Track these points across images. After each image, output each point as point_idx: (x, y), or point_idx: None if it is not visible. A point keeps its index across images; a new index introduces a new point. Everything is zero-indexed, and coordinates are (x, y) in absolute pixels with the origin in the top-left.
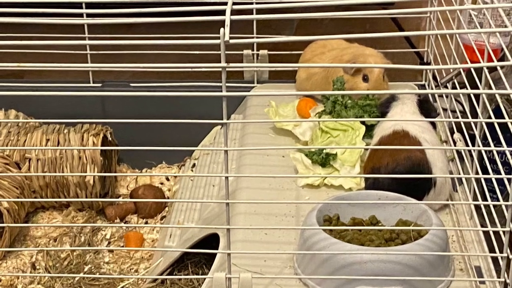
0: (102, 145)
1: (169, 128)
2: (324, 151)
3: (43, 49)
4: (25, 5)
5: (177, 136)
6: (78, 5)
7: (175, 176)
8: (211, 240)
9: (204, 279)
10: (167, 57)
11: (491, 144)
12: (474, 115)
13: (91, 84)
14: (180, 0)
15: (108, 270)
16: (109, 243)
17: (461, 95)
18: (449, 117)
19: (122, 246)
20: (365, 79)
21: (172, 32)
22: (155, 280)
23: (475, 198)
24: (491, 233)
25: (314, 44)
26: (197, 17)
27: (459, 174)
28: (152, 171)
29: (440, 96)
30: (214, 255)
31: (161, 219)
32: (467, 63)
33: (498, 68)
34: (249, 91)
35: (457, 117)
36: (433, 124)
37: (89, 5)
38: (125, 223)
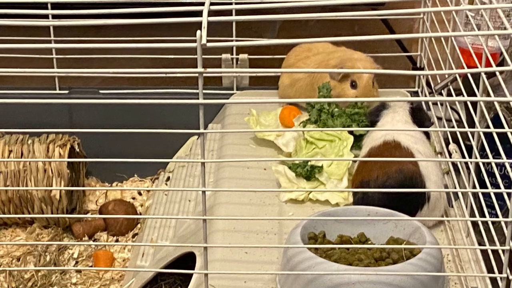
0: (69, 157)
1: (141, 139)
2: (309, 163)
3: (5, 53)
4: None
5: (150, 147)
6: (43, 6)
7: (148, 191)
8: (187, 260)
9: None
10: (140, 61)
11: (490, 155)
12: (471, 124)
13: (57, 91)
14: (154, 0)
15: None
16: (76, 262)
17: (457, 102)
18: (444, 127)
19: (91, 266)
20: (353, 85)
21: (145, 35)
22: None
23: (472, 214)
24: (490, 252)
25: (298, 48)
26: (172, 18)
27: (455, 188)
28: (123, 185)
29: (435, 103)
30: (190, 275)
31: (133, 236)
32: (464, 68)
33: (497, 73)
34: (228, 98)
35: (453, 127)
36: (427, 134)
37: (55, 6)
38: (94, 241)
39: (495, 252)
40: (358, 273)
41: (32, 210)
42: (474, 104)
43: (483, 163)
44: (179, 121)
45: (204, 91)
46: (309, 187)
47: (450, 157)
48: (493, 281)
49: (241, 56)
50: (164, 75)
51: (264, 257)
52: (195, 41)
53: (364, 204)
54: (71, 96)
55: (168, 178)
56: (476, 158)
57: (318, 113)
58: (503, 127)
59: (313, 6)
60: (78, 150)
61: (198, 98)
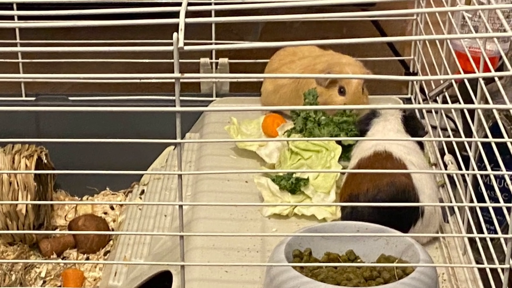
0: (36, 169)
1: (114, 149)
2: (294, 175)
3: None
4: None
5: (123, 158)
6: (8, 6)
7: (121, 205)
8: (163, 279)
9: None
10: (112, 66)
11: (488, 167)
12: (468, 133)
13: (23, 98)
14: (128, 0)
15: None
16: (44, 282)
17: (453, 110)
18: (439, 136)
19: (60, 286)
20: (342, 91)
21: (118, 38)
22: None
23: (469, 230)
24: (488, 270)
25: (283, 52)
26: (147, 20)
27: (451, 202)
28: (94, 198)
29: (429, 111)
30: None
31: (105, 254)
32: (460, 73)
33: (496, 79)
34: (206, 105)
35: (448, 136)
36: (421, 144)
37: (21, 6)
38: (62, 258)
39: (493, 271)
40: None
41: None
42: (471, 112)
43: (481, 175)
44: (154, 130)
45: (181, 97)
46: (294, 201)
47: (446, 169)
48: None
49: (221, 60)
50: (138, 80)
51: (245, 276)
52: (171, 44)
53: (353, 220)
54: (38, 103)
55: (143, 192)
56: (473, 170)
57: (304, 122)
58: (502, 137)
59: (298, 6)
60: (45, 161)
61: (174, 105)
